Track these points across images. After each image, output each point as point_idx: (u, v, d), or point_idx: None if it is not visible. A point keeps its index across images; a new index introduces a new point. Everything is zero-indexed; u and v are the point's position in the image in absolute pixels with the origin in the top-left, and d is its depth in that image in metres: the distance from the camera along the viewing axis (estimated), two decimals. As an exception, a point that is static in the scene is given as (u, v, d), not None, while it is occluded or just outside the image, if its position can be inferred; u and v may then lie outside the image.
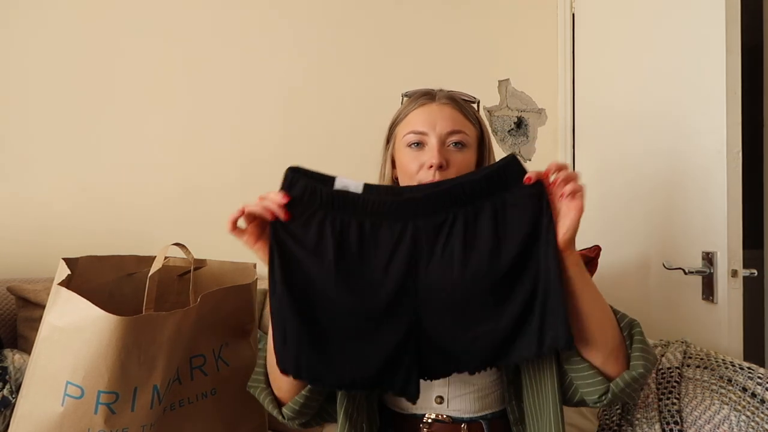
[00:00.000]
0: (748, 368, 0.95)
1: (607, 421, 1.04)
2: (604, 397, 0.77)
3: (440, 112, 0.90)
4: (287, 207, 0.76)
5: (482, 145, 0.95)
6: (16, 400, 0.90)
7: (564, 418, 0.81)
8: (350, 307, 0.74)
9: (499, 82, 1.92)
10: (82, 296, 0.80)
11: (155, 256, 0.97)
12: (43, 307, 0.86)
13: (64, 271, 0.88)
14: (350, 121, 1.78)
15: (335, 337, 0.73)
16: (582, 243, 1.75)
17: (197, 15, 1.71)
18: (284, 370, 0.73)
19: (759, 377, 0.92)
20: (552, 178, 0.74)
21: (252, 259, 1.17)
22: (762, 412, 0.87)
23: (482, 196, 0.74)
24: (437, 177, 0.86)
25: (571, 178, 0.72)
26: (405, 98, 0.98)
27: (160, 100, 1.67)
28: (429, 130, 0.89)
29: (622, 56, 1.62)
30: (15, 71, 1.58)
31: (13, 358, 1.09)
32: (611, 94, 1.68)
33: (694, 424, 0.92)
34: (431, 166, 0.87)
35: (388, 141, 0.98)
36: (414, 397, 0.75)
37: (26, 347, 1.24)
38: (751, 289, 1.27)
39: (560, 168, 0.73)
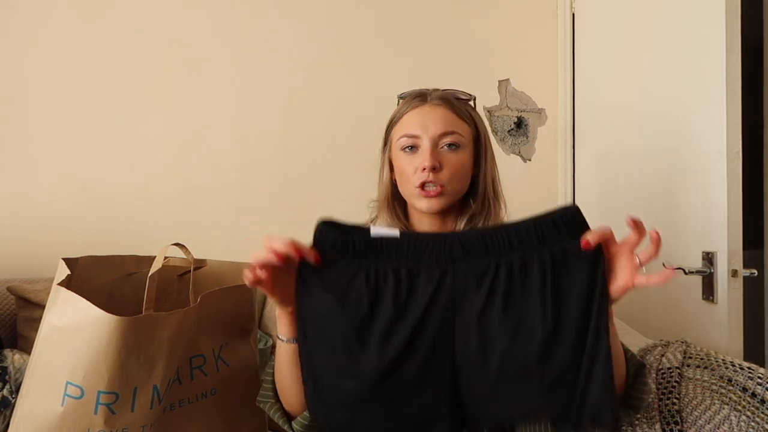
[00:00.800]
0: (749, 368, 0.95)
1: (607, 421, 1.04)
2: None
3: (432, 114, 0.90)
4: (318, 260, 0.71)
5: (478, 143, 0.95)
6: (16, 400, 0.90)
7: None
8: (382, 367, 0.67)
9: (499, 82, 1.92)
10: (82, 296, 0.80)
11: (155, 256, 0.96)
12: (43, 307, 0.86)
13: (63, 271, 0.88)
14: (350, 121, 1.78)
15: (365, 396, 0.69)
16: (582, 243, 1.75)
17: (197, 15, 1.71)
18: (317, 418, 0.73)
19: (759, 377, 0.92)
20: (631, 240, 0.69)
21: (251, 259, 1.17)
22: (762, 412, 0.87)
23: (530, 246, 0.67)
24: (431, 178, 0.87)
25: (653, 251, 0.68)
26: (400, 100, 0.98)
27: (160, 101, 1.67)
28: (421, 132, 0.89)
29: (622, 56, 1.62)
30: (15, 72, 1.58)
31: (13, 358, 1.09)
32: (611, 94, 1.68)
33: (695, 424, 0.92)
34: (424, 169, 0.87)
35: (385, 144, 0.98)
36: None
37: (26, 347, 1.24)
38: (751, 289, 1.27)
39: (640, 233, 0.68)
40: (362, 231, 0.71)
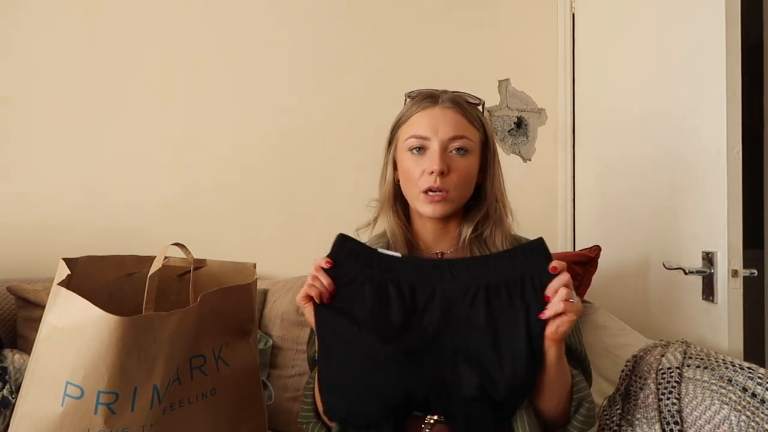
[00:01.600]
0: (749, 368, 0.95)
1: (607, 421, 1.04)
2: None
3: (443, 117, 0.89)
4: (333, 269, 0.81)
5: (486, 148, 0.94)
6: (15, 400, 0.90)
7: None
8: (383, 353, 0.78)
9: (499, 82, 1.92)
10: (82, 296, 0.80)
11: (155, 256, 0.96)
12: (43, 307, 0.86)
13: (63, 271, 0.88)
14: (350, 121, 1.78)
15: (369, 380, 0.79)
16: (582, 243, 1.75)
17: (198, 16, 1.71)
18: (332, 417, 0.83)
19: (759, 377, 0.92)
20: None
21: (252, 259, 1.17)
22: (762, 413, 0.87)
23: (505, 272, 0.80)
24: (438, 183, 0.86)
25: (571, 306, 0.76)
26: (408, 99, 0.96)
27: (161, 101, 1.67)
28: (431, 134, 0.88)
29: (622, 56, 1.62)
30: (16, 72, 1.58)
31: (13, 358, 1.09)
32: (611, 94, 1.68)
33: (694, 424, 0.92)
34: (432, 173, 0.86)
35: (390, 143, 0.97)
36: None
37: (26, 347, 1.24)
38: (751, 289, 1.27)
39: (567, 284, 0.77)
40: (372, 249, 0.85)
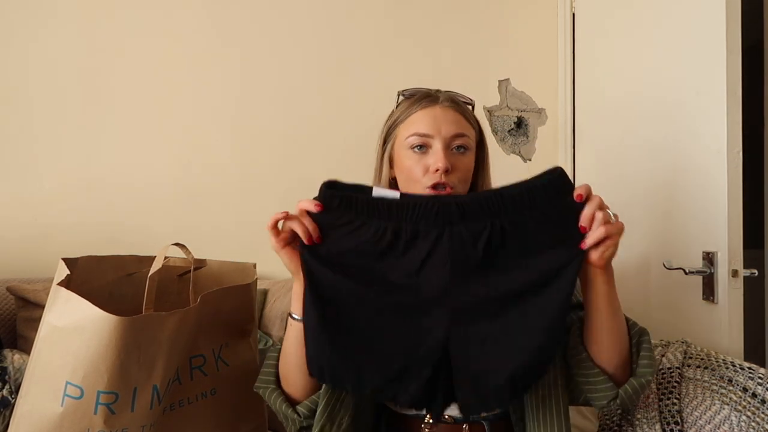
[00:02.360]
0: (749, 368, 0.95)
1: (608, 421, 1.04)
2: (612, 403, 0.79)
3: (444, 116, 0.90)
4: (323, 216, 0.77)
5: (481, 147, 0.96)
6: (15, 401, 0.90)
7: (569, 422, 0.82)
8: (381, 310, 0.74)
9: (499, 82, 1.92)
10: (82, 296, 0.80)
11: (155, 256, 0.96)
12: (42, 307, 0.86)
13: (63, 271, 0.88)
14: (350, 121, 1.78)
15: (364, 340, 0.74)
16: (582, 243, 1.75)
17: (198, 15, 1.71)
18: (311, 372, 0.75)
19: (759, 377, 0.92)
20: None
21: (252, 259, 1.17)
22: (763, 413, 0.87)
23: (523, 208, 0.73)
24: (443, 179, 0.87)
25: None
26: (402, 97, 0.97)
27: (161, 100, 1.67)
28: (434, 132, 0.89)
29: (622, 56, 1.62)
30: (16, 72, 1.58)
31: (13, 358, 1.09)
32: (611, 94, 1.68)
33: (695, 424, 0.92)
34: (437, 170, 0.87)
35: (385, 141, 0.97)
36: (436, 414, 0.78)
37: (26, 347, 1.24)
38: (751, 289, 1.27)
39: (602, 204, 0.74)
40: (365, 191, 0.76)
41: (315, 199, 0.78)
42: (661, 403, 0.97)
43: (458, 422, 0.85)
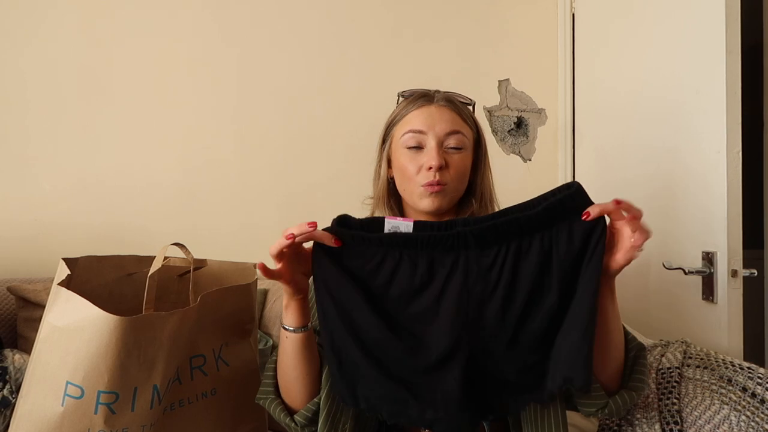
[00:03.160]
0: (748, 368, 0.95)
1: (607, 421, 1.04)
2: (600, 411, 0.79)
3: (439, 114, 0.91)
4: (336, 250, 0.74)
5: (478, 147, 0.96)
6: (16, 400, 0.90)
7: (567, 425, 0.82)
8: (402, 346, 0.73)
9: (499, 82, 1.92)
10: (82, 296, 0.80)
11: (155, 256, 0.96)
12: (43, 307, 0.86)
13: (63, 271, 0.88)
14: (350, 121, 1.78)
15: (391, 372, 0.73)
16: (582, 243, 1.75)
17: (198, 15, 1.71)
18: (342, 400, 0.74)
19: (759, 377, 0.92)
20: (624, 214, 0.71)
21: (252, 259, 1.17)
22: (762, 413, 0.87)
23: (538, 229, 0.72)
24: (437, 177, 0.87)
25: (639, 216, 0.70)
26: (401, 98, 0.98)
27: (161, 100, 1.67)
28: (428, 130, 0.89)
29: (622, 56, 1.62)
30: (15, 71, 1.58)
31: (13, 358, 1.09)
32: (611, 95, 1.68)
33: (694, 424, 0.92)
34: (430, 168, 0.87)
35: (383, 141, 0.98)
36: None
37: (26, 347, 1.24)
38: (751, 289, 1.27)
39: (631, 207, 0.71)
40: (377, 223, 0.76)
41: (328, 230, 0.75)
42: (660, 402, 0.97)
43: None
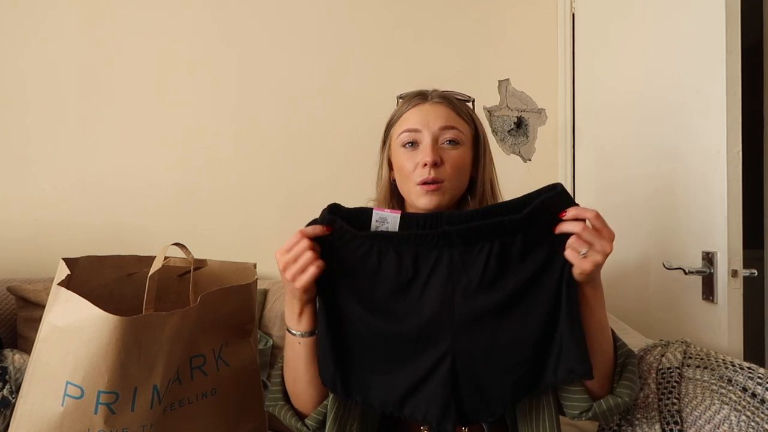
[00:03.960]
0: (749, 368, 0.95)
1: (607, 421, 1.04)
2: (584, 414, 0.80)
3: (433, 111, 0.91)
4: (326, 240, 0.77)
5: (477, 143, 0.96)
6: (16, 400, 0.90)
7: (560, 425, 0.83)
8: (386, 332, 0.76)
9: (499, 82, 1.92)
10: (82, 296, 0.80)
11: (155, 256, 0.96)
12: (43, 307, 0.86)
13: (63, 271, 0.88)
14: (350, 121, 1.78)
15: (372, 359, 0.77)
16: (582, 243, 1.75)
17: (198, 15, 1.71)
18: (324, 384, 0.78)
19: (759, 377, 0.92)
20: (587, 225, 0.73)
21: (252, 259, 1.17)
22: (762, 412, 0.87)
23: (523, 227, 0.74)
24: (432, 174, 0.87)
25: (604, 236, 0.72)
26: (400, 100, 0.99)
27: (161, 100, 1.67)
28: (422, 127, 0.90)
29: (622, 56, 1.62)
30: (15, 71, 1.58)
31: (13, 358, 1.09)
32: (611, 94, 1.68)
33: (694, 424, 0.92)
34: (425, 164, 0.87)
35: (384, 143, 0.99)
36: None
37: (26, 347, 1.24)
38: (751, 289, 1.27)
39: (597, 217, 0.72)
40: (365, 214, 0.78)
41: (317, 222, 0.78)
42: (660, 402, 0.97)
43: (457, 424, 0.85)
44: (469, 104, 0.98)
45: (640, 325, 1.42)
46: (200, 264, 1.10)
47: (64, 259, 0.90)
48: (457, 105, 0.94)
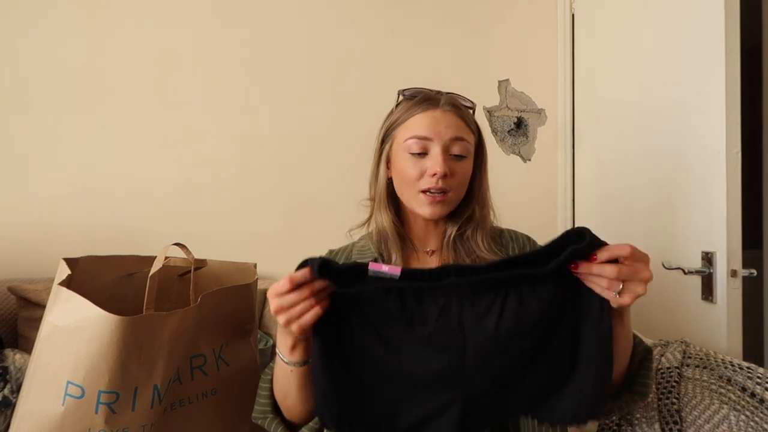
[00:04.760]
0: (748, 368, 0.95)
1: (607, 421, 1.04)
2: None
3: (444, 119, 0.89)
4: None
5: (479, 152, 0.96)
6: (16, 400, 0.90)
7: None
8: (396, 382, 0.71)
9: (499, 82, 1.92)
10: (83, 296, 0.80)
11: (156, 256, 0.97)
12: (43, 307, 0.86)
13: (64, 271, 0.88)
14: (350, 121, 1.78)
15: (374, 400, 0.72)
16: (582, 243, 1.75)
17: (198, 14, 1.71)
18: (323, 423, 0.72)
19: (758, 377, 0.92)
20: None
21: (252, 259, 1.18)
22: (761, 412, 0.87)
23: (541, 281, 0.68)
24: (441, 184, 0.86)
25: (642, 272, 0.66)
26: (402, 97, 0.97)
27: (161, 100, 1.68)
28: (433, 136, 0.88)
29: (621, 56, 1.62)
30: (15, 71, 1.58)
31: (14, 357, 1.09)
32: (611, 95, 1.68)
33: (694, 423, 0.92)
34: (434, 174, 0.86)
35: (383, 141, 0.96)
36: None
37: (27, 347, 1.25)
38: (750, 289, 1.27)
39: (633, 254, 0.67)
40: (360, 271, 0.68)
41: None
42: (660, 402, 0.97)
43: None
44: (471, 111, 0.97)
45: (639, 325, 1.42)
46: (200, 264, 1.10)
47: (64, 259, 0.90)
48: (465, 113, 0.93)
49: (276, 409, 0.84)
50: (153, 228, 1.64)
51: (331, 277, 0.66)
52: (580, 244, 0.66)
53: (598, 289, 0.68)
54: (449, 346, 0.69)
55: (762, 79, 1.72)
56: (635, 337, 0.84)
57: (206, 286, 1.04)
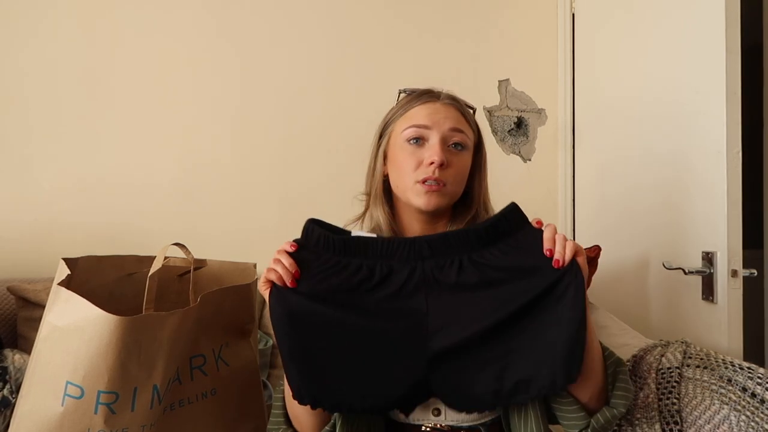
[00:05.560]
0: (748, 368, 0.95)
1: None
2: (584, 431, 0.81)
3: (444, 110, 0.90)
4: (302, 254, 0.80)
5: (478, 151, 0.95)
6: (16, 400, 0.90)
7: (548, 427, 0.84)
8: (363, 341, 0.77)
9: (499, 82, 1.92)
10: (82, 296, 0.80)
11: (155, 256, 0.96)
12: (43, 307, 0.86)
13: (64, 271, 0.88)
14: (350, 120, 1.78)
15: (351, 368, 0.77)
16: (582, 243, 1.75)
17: (198, 14, 1.71)
18: (301, 402, 0.77)
19: (759, 377, 0.92)
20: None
21: (252, 259, 1.17)
22: (762, 412, 0.87)
23: (489, 241, 0.79)
24: (437, 174, 0.86)
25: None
26: (402, 94, 0.97)
27: (161, 100, 1.67)
28: (432, 124, 0.88)
29: (622, 56, 1.62)
30: (15, 70, 1.58)
31: (13, 357, 1.09)
32: (611, 94, 1.68)
33: (694, 424, 0.92)
34: (432, 163, 0.86)
35: (381, 136, 0.96)
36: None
37: (26, 347, 1.24)
38: (751, 289, 1.27)
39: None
40: (344, 232, 0.83)
41: (298, 241, 0.82)
42: (660, 402, 0.97)
43: (455, 429, 0.84)
44: (472, 112, 0.97)
45: (640, 325, 1.42)
46: (200, 264, 1.10)
47: (64, 259, 0.90)
48: (466, 110, 0.93)
49: (289, 421, 0.87)
50: (152, 227, 1.64)
51: (318, 230, 0.81)
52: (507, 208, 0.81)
53: (568, 252, 0.75)
54: (414, 309, 0.77)
55: (762, 79, 1.72)
56: (605, 349, 0.85)
57: (206, 286, 1.04)
